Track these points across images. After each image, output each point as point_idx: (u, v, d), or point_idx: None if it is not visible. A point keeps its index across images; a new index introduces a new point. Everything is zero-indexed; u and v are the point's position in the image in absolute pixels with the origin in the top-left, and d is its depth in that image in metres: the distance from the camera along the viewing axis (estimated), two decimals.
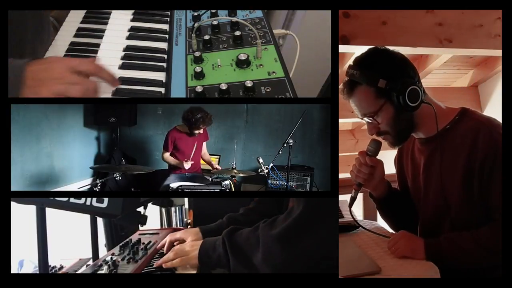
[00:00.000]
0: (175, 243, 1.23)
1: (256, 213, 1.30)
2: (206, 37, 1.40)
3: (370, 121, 1.18)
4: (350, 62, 1.20)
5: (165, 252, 1.21)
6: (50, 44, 1.39)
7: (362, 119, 1.19)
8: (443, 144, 1.18)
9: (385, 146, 1.27)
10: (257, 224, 1.01)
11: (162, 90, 1.25)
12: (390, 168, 1.45)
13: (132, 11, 1.63)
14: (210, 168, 2.97)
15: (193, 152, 2.80)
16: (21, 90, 0.97)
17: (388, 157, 1.32)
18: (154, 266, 1.10)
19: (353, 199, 1.29)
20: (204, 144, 3.01)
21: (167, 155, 2.88)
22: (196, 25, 1.44)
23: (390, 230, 1.39)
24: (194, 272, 1.06)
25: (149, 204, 1.54)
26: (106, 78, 1.15)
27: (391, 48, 1.20)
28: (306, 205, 0.94)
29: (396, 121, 1.16)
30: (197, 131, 2.79)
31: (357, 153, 1.28)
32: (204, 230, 1.26)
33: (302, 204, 0.94)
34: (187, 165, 2.74)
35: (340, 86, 1.20)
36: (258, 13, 1.57)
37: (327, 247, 0.94)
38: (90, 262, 1.70)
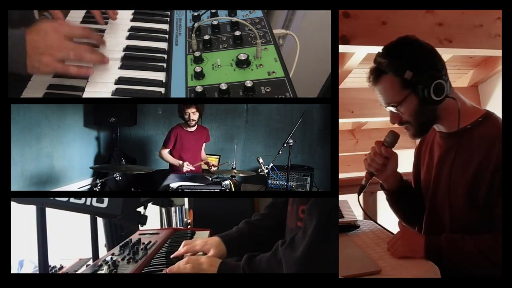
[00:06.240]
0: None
1: (272, 218, 1.28)
2: (206, 37, 1.40)
3: (393, 110, 1.18)
4: (374, 52, 1.18)
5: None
6: None
7: (385, 107, 1.19)
8: (460, 143, 1.18)
9: (402, 145, 1.25)
10: (275, 247, 0.99)
11: (162, 90, 1.25)
12: (404, 167, 1.43)
13: (132, 11, 1.63)
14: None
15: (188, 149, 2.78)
16: (26, 60, 1.08)
17: (403, 157, 1.30)
18: (165, 272, 1.06)
19: (362, 187, 1.28)
20: (204, 145, 3.01)
21: (165, 152, 2.85)
22: (196, 25, 1.44)
23: (391, 230, 1.39)
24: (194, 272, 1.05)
25: (149, 204, 1.54)
26: (97, 40, 1.36)
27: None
28: (319, 217, 0.91)
29: (419, 113, 1.16)
30: (189, 114, 2.76)
31: (357, 153, 1.27)
32: (226, 240, 1.21)
33: (316, 217, 0.91)
34: (186, 168, 2.72)
35: (367, 72, 1.19)
36: (258, 13, 1.57)
37: None
38: (90, 262, 1.70)
